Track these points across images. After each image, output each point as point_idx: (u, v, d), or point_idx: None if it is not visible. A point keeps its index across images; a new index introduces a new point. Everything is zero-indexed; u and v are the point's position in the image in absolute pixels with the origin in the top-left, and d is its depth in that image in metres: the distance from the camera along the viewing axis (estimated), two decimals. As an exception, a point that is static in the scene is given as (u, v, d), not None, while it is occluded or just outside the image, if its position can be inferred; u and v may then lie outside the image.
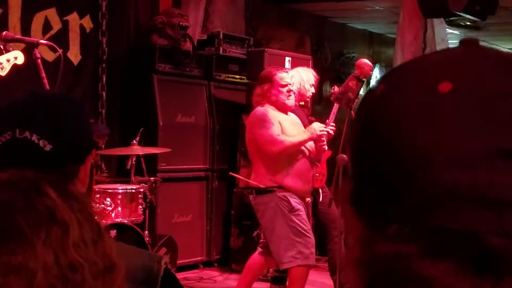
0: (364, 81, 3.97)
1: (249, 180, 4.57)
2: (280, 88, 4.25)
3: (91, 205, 0.85)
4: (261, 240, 4.59)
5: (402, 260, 0.52)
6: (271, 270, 5.57)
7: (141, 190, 4.62)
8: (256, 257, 4.55)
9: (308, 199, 4.40)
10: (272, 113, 4.22)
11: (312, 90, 5.04)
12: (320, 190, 4.84)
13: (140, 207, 4.58)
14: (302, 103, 5.10)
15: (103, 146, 4.42)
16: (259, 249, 4.57)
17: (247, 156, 6.00)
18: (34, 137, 1.18)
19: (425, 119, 0.53)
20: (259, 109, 4.28)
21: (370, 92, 0.59)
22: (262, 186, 4.29)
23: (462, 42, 0.58)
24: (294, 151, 4.22)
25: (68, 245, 0.76)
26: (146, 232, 4.61)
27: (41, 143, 1.17)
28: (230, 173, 5.59)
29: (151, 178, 4.85)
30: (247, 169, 6.03)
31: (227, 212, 6.20)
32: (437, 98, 0.53)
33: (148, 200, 4.70)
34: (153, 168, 5.38)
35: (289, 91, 4.31)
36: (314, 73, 5.09)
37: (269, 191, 4.26)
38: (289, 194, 4.22)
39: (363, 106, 0.59)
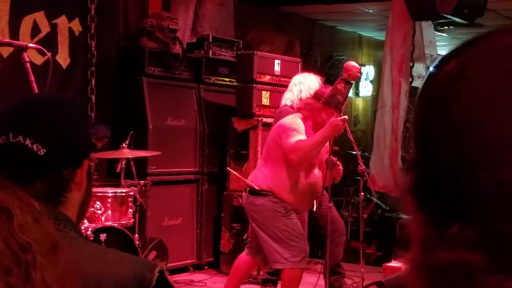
0: (352, 84, 3.99)
1: (245, 179, 4.57)
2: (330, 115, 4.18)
3: (19, 187, 0.86)
4: (249, 240, 4.59)
5: (464, 271, 0.46)
6: (261, 272, 5.57)
7: (131, 193, 4.61)
8: (243, 258, 4.55)
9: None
10: (302, 124, 4.21)
11: None
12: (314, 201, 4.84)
13: (130, 210, 4.57)
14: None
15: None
16: (246, 250, 4.57)
17: (237, 159, 6.02)
18: (28, 141, 1.17)
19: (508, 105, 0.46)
20: (288, 120, 4.26)
21: (436, 72, 0.52)
22: (256, 187, 4.29)
23: None
24: (305, 168, 4.20)
25: (14, 228, 0.77)
26: (136, 235, 4.60)
27: (34, 147, 1.17)
28: (228, 168, 5.59)
29: (141, 181, 4.84)
30: (237, 172, 6.03)
31: (217, 215, 6.20)
32: None
33: (138, 203, 4.69)
34: (143, 171, 5.38)
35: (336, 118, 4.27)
36: (320, 81, 5.07)
37: (263, 194, 4.26)
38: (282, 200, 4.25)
39: (429, 87, 0.53)
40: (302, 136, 4.12)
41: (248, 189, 4.34)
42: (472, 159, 0.47)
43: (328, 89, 4.30)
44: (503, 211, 0.45)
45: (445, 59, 0.52)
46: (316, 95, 4.28)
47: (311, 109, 4.20)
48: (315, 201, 4.76)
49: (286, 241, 4.17)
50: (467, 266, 0.46)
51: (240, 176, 4.89)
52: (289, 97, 4.90)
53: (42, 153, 1.17)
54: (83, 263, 1.12)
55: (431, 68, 0.55)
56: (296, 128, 4.13)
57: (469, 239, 0.46)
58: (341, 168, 4.30)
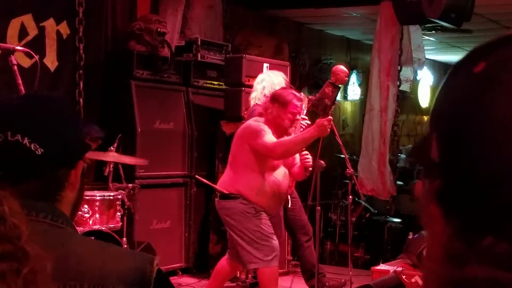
0: (340, 87, 4.00)
1: (213, 185, 4.61)
2: (290, 114, 4.21)
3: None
4: (229, 243, 4.60)
5: None
6: (250, 276, 5.57)
7: (119, 196, 4.60)
8: (224, 261, 4.58)
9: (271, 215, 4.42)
10: (266, 127, 4.24)
11: None
12: (289, 197, 4.85)
13: (118, 213, 4.56)
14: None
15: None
16: (227, 253, 4.59)
17: (225, 162, 6.01)
18: (26, 141, 1.18)
19: None
20: (254, 123, 4.29)
21: (463, 70, 0.49)
22: (225, 192, 4.32)
23: None
24: (270, 169, 4.23)
25: None
26: (124, 239, 4.59)
27: (32, 146, 1.18)
28: (197, 176, 5.59)
29: (129, 185, 4.83)
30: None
31: (206, 218, 6.19)
32: None
33: (126, 206, 4.68)
34: (131, 174, 5.36)
35: (297, 120, 4.29)
36: (285, 77, 5.10)
37: (232, 198, 4.29)
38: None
39: (458, 87, 0.49)
40: (272, 136, 4.15)
41: (218, 194, 4.38)
42: (508, 167, 0.44)
43: (288, 91, 4.35)
44: None
45: (474, 57, 0.48)
46: (273, 98, 4.31)
47: (271, 113, 4.23)
48: (289, 198, 4.82)
49: (257, 241, 4.21)
50: (500, 285, 0.42)
51: (209, 183, 4.92)
52: (255, 96, 4.95)
53: (40, 153, 1.18)
54: (84, 257, 1.14)
55: (455, 64, 0.52)
56: (264, 129, 4.17)
57: (504, 254, 0.43)
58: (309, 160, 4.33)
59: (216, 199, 4.45)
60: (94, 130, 1.34)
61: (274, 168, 4.27)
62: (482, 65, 0.47)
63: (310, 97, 4.69)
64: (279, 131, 4.24)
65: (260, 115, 4.32)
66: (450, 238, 0.46)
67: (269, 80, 4.89)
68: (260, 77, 4.99)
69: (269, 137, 4.13)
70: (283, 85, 4.98)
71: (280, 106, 4.22)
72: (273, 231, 4.31)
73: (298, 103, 4.25)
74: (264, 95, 4.94)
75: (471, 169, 0.46)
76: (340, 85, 3.96)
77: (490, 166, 0.44)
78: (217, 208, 4.42)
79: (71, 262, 1.13)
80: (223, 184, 4.40)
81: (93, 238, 4.08)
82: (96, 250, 1.19)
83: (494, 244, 0.43)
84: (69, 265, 1.12)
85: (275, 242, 4.27)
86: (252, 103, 4.96)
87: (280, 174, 4.30)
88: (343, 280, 5.26)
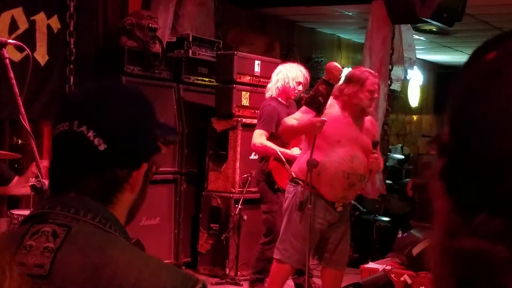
0: (333, 85, 3.99)
1: (288, 168, 4.48)
2: (367, 93, 4.06)
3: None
4: None
5: (487, 261, 0.46)
6: (238, 273, 5.56)
7: (109, 192, 4.56)
8: None
9: (339, 207, 4.19)
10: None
11: (299, 88, 5.02)
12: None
13: (108, 210, 4.53)
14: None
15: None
16: None
17: (216, 159, 6.00)
18: (91, 133, 1.11)
19: None
20: None
21: (477, 57, 0.52)
22: (294, 175, 4.22)
23: None
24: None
25: None
26: (114, 235, 4.56)
27: (96, 141, 1.11)
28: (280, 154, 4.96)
29: (119, 181, 4.80)
30: (216, 172, 6.02)
31: (196, 215, 6.17)
32: None
33: (116, 203, 4.65)
34: (121, 170, 5.34)
35: (374, 98, 4.16)
36: (304, 70, 5.06)
37: (295, 182, 4.17)
38: (314, 192, 4.07)
39: (467, 75, 0.52)
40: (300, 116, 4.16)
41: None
42: (504, 151, 0.47)
43: (362, 69, 4.22)
44: None
45: (489, 45, 0.52)
46: (347, 78, 4.16)
47: (347, 93, 4.07)
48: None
49: (287, 233, 4.24)
50: (490, 257, 0.46)
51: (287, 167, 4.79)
52: (270, 87, 4.97)
53: (102, 149, 1.11)
54: (121, 268, 1.06)
55: (471, 54, 0.55)
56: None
57: (495, 229, 0.46)
58: (376, 159, 4.09)
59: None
60: (170, 131, 1.25)
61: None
62: (493, 53, 0.51)
63: (303, 95, 4.69)
64: (356, 112, 4.09)
65: (336, 97, 4.12)
66: (449, 212, 0.50)
67: (284, 73, 4.89)
68: (278, 68, 5.00)
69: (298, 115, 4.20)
70: (299, 79, 4.97)
71: (356, 85, 4.05)
72: (307, 235, 4.13)
73: (375, 80, 4.11)
74: (277, 87, 4.94)
75: (472, 149, 0.49)
76: (333, 83, 3.95)
77: (491, 148, 0.48)
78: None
79: (106, 273, 1.05)
80: (295, 167, 4.34)
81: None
82: (136, 263, 1.09)
83: (487, 220, 0.47)
84: (103, 275, 1.05)
85: (300, 245, 4.15)
86: (267, 94, 4.99)
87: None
88: None
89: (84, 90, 1.24)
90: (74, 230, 1.09)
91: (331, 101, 4.08)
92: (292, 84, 4.96)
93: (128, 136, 1.15)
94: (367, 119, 4.22)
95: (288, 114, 4.60)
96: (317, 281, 5.38)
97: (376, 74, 4.31)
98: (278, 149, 4.74)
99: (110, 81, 1.64)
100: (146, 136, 1.19)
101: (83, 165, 1.13)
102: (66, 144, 1.14)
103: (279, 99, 5.02)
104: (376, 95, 4.16)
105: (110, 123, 1.14)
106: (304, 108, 4.11)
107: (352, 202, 4.81)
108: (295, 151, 4.67)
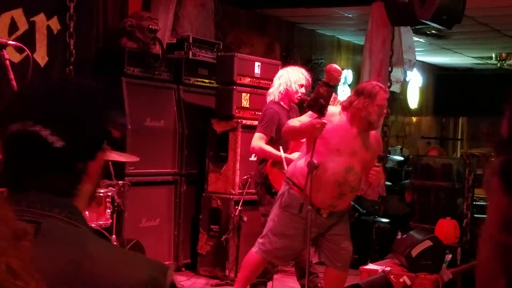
0: (334, 87, 3.99)
1: (285, 168, 4.57)
2: (376, 107, 4.06)
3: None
4: None
5: None
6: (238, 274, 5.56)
7: (109, 193, 4.58)
8: None
9: (324, 213, 4.21)
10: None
11: (302, 90, 5.01)
12: None
13: (108, 211, 4.54)
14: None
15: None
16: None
17: (216, 161, 6.01)
18: (46, 132, 1.11)
19: None
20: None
21: None
22: (286, 175, 4.33)
23: None
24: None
25: None
26: (114, 236, 4.57)
27: (52, 139, 1.11)
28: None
29: (119, 182, 4.81)
30: (216, 174, 6.02)
31: (195, 217, 6.18)
32: None
33: (116, 204, 4.66)
34: (121, 171, 5.34)
35: (383, 113, 4.18)
36: (305, 73, 5.05)
37: (287, 182, 4.27)
38: (301, 195, 4.10)
39: None
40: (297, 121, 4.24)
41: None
42: None
43: (373, 83, 4.21)
44: None
45: None
46: (358, 91, 4.16)
47: (356, 106, 4.06)
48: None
49: (267, 230, 4.35)
50: None
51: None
52: (271, 92, 4.97)
53: (59, 146, 1.12)
54: (98, 262, 1.07)
55: None
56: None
57: None
58: (377, 173, 4.06)
59: None
60: (118, 115, 1.23)
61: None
62: None
63: (304, 97, 4.69)
64: (363, 125, 4.09)
65: (344, 108, 4.13)
66: (507, 207, 0.51)
67: (286, 77, 4.89)
68: (279, 72, 5.00)
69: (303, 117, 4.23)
70: (301, 81, 4.96)
71: (366, 99, 4.04)
72: (291, 234, 4.26)
73: (385, 95, 4.11)
74: (279, 92, 4.93)
75: None
76: (333, 85, 3.95)
77: None
78: None
79: (85, 269, 1.05)
80: (289, 168, 4.46)
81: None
82: (111, 255, 1.10)
83: None
84: (81, 271, 1.05)
85: (281, 243, 4.28)
86: (268, 99, 4.98)
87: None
88: None
89: (32, 88, 1.24)
90: (43, 226, 1.09)
91: (340, 110, 4.12)
92: (294, 87, 4.96)
93: (84, 129, 1.16)
94: (373, 135, 4.24)
95: (289, 118, 4.62)
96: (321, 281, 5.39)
97: (387, 89, 4.30)
98: (279, 153, 4.77)
99: (57, 77, 1.63)
100: (100, 125, 1.19)
101: (41, 164, 1.14)
102: (22, 144, 1.13)
103: (281, 103, 5.02)
104: (385, 110, 4.18)
105: (65, 120, 1.14)
106: (310, 112, 4.12)
107: (352, 203, 4.80)
108: (296, 155, 4.68)
